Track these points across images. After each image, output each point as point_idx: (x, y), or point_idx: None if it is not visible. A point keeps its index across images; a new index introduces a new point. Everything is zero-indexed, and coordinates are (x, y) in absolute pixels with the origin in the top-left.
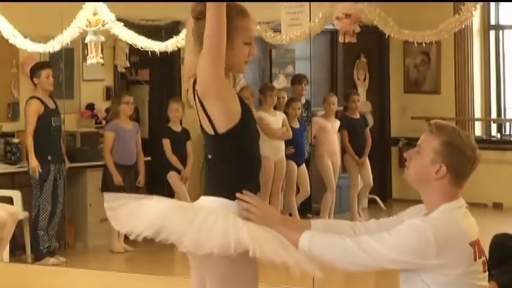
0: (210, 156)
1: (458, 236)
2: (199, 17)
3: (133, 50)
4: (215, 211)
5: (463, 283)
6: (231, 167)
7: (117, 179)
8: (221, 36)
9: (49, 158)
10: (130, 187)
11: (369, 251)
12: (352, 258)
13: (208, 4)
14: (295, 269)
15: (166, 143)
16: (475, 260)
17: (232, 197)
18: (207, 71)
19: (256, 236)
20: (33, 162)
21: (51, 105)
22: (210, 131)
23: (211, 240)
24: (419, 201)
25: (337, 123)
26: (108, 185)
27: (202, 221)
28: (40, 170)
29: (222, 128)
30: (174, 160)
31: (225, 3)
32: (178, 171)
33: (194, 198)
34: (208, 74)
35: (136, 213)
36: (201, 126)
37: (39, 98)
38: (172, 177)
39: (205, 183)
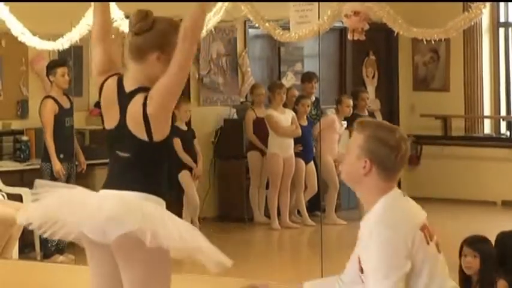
0: (129, 155)
1: (409, 225)
2: (139, 33)
3: None
4: (152, 205)
5: (425, 270)
6: (156, 169)
7: None
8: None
9: (61, 156)
10: None
11: None
12: None
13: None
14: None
15: (177, 142)
16: (428, 243)
17: (153, 192)
18: (169, 94)
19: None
20: (57, 166)
21: (66, 105)
22: (144, 137)
23: (170, 232)
24: (428, 199)
25: (343, 125)
26: None
27: (154, 214)
28: (64, 172)
29: (158, 138)
30: (187, 159)
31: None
32: (189, 170)
33: (202, 196)
34: (168, 98)
35: (74, 203)
36: (125, 126)
37: (53, 98)
38: (183, 176)
39: (119, 178)
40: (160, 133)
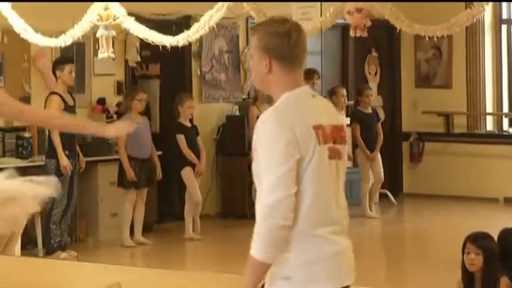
0: None
1: (300, 121)
2: None
3: (144, 44)
4: None
5: (311, 167)
6: None
7: (131, 175)
8: None
9: (66, 153)
10: (146, 181)
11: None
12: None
13: None
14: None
15: (181, 138)
16: (319, 144)
17: None
18: None
19: None
20: (64, 161)
21: (70, 102)
22: None
23: None
24: (431, 196)
25: (344, 115)
26: (123, 181)
27: None
28: (71, 167)
29: None
30: (190, 155)
31: None
32: (192, 167)
33: (204, 193)
34: None
35: None
36: None
37: (59, 95)
38: (186, 173)
39: None
40: None
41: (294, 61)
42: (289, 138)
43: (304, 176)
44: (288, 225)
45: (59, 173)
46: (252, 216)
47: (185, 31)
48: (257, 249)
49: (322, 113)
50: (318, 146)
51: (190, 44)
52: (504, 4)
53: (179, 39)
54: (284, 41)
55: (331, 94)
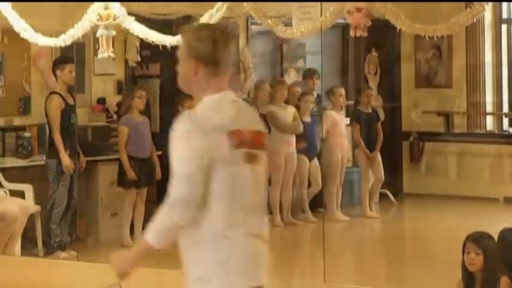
0: None
1: (215, 125)
2: None
3: (144, 44)
4: None
5: (224, 170)
6: None
7: (131, 174)
8: None
9: (67, 152)
10: (146, 180)
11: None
12: (173, 209)
13: None
14: None
15: None
16: (235, 148)
17: None
18: None
19: None
20: (67, 161)
21: (70, 102)
22: None
23: None
24: (431, 196)
25: (344, 115)
26: (123, 180)
27: None
28: (73, 166)
29: None
30: None
31: None
32: None
33: None
34: None
35: None
36: None
37: (60, 94)
38: None
39: None
40: None
41: (219, 66)
42: (203, 141)
43: (218, 178)
44: (182, 225)
45: (59, 172)
46: None
47: None
48: (150, 233)
49: (243, 118)
50: (234, 150)
51: None
52: (504, 4)
53: (179, 39)
54: (210, 46)
55: (329, 94)
